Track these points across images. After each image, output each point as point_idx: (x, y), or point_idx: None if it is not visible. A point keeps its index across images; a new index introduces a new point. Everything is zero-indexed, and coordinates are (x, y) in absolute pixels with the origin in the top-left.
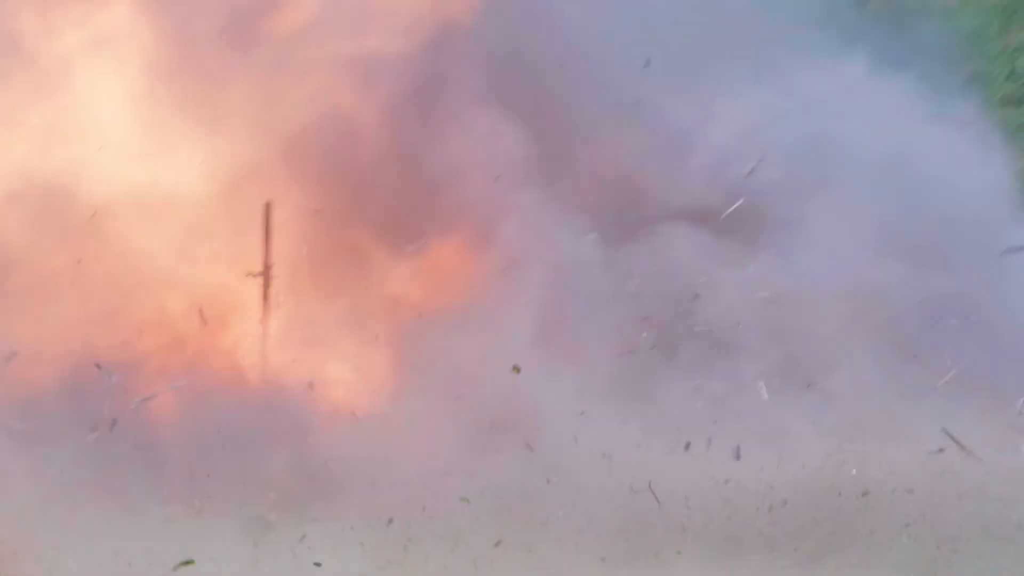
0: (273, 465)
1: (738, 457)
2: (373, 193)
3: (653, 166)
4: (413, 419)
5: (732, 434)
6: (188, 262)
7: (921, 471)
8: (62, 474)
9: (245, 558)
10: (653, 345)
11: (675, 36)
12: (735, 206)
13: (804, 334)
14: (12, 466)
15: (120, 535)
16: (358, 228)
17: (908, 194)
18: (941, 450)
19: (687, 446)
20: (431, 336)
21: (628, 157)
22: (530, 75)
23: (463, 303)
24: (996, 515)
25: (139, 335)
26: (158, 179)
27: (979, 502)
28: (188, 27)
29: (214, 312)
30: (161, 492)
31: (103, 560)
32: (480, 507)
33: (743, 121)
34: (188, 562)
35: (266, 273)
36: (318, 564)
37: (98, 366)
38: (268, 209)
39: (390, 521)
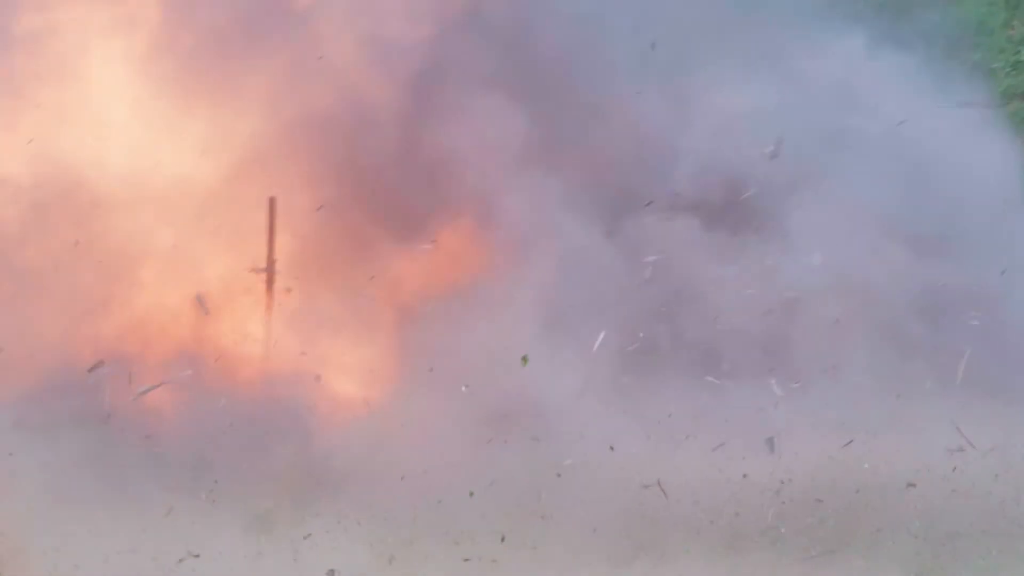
0: (278, 459)
1: (772, 450)
2: (378, 182)
3: (658, 154)
4: (419, 413)
5: (738, 431)
6: (193, 255)
7: (926, 469)
8: (65, 470)
9: (249, 552)
10: (661, 338)
11: (678, 22)
12: (748, 194)
13: (810, 330)
14: (16, 463)
15: (124, 530)
16: (363, 219)
17: (912, 185)
18: (960, 449)
19: (687, 438)
20: (437, 328)
21: (633, 145)
22: (535, 61)
23: (469, 294)
24: (999, 513)
25: (143, 327)
26: (161, 168)
27: (983, 500)
28: (196, 16)
29: (220, 304)
30: (165, 487)
31: (107, 556)
32: (486, 501)
33: (745, 110)
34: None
35: (270, 268)
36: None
37: (101, 362)
38: (272, 204)
39: (395, 516)
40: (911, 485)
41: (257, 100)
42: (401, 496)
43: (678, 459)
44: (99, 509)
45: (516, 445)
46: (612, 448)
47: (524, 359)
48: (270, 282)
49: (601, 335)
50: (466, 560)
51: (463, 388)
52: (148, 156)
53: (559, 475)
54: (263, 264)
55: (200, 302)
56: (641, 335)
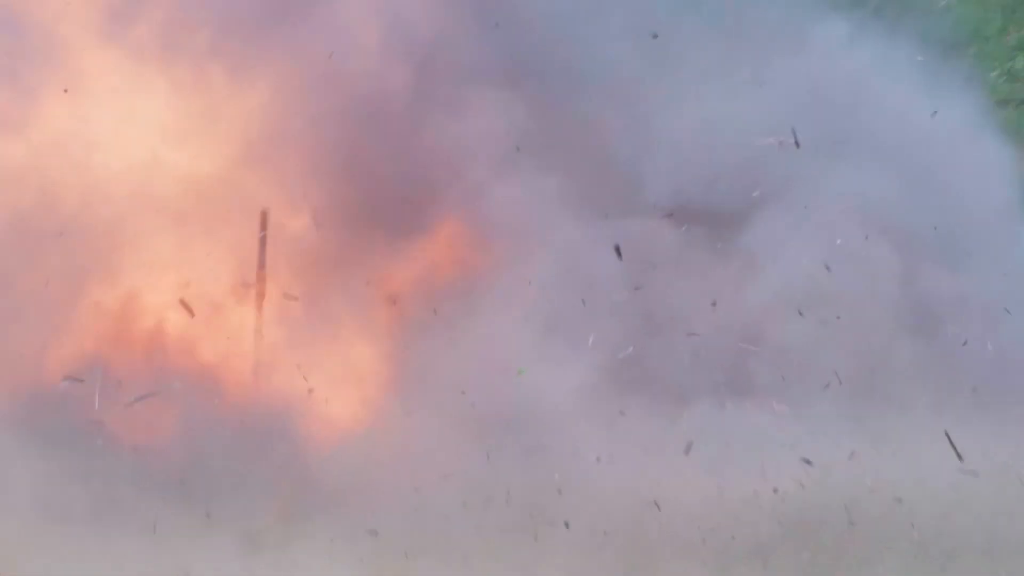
0: (270, 476)
1: (809, 463)
2: (374, 185)
3: (656, 157)
4: (412, 428)
5: (736, 444)
6: (185, 263)
7: (923, 486)
8: (52, 486)
9: (240, 571)
10: (657, 352)
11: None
12: (755, 194)
13: (806, 345)
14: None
15: (113, 549)
16: (358, 224)
17: (906, 193)
18: (960, 466)
19: (687, 449)
20: (431, 340)
21: (630, 147)
22: (534, 60)
23: (464, 302)
24: (997, 530)
25: (133, 339)
26: (154, 173)
27: (980, 517)
28: (196, 15)
29: (211, 316)
30: (155, 504)
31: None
32: (480, 518)
33: (740, 113)
34: None
35: (261, 282)
36: None
37: (75, 377)
38: (264, 217)
39: (388, 533)
40: (898, 500)
41: (256, 99)
42: (395, 513)
43: (673, 477)
44: (87, 528)
45: (511, 461)
46: (607, 463)
47: (520, 371)
48: (261, 295)
49: (591, 340)
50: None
51: (461, 392)
52: (141, 162)
53: (559, 491)
54: (257, 273)
55: (185, 306)
56: (631, 349)
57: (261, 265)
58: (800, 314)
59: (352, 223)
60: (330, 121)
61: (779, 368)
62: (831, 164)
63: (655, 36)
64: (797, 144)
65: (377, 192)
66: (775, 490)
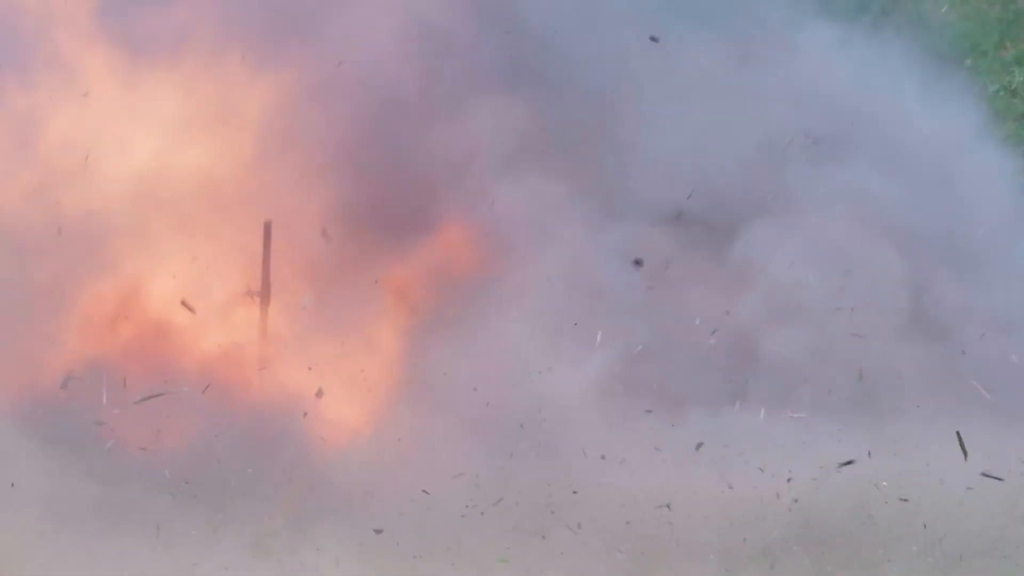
0: (277, 478)
1: (847, 462)
2: (383, 187)
3: (660, 160)
4: (421, 429)
5: (744, 447)
6: (189, 265)
7: (935, 491)
8: (57, 488)
9: (245, 571)
10: (667, 354)
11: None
12: (771, 196)
13: (819, 348)
14: (15, 478)
15: (118, 552)
16: (366, 225)
17: (916, 196)
18: (972, 470)
19: (698, 446)
20: (440, 342)
21: (635, 148)
22: (536, 59)
23: (474, 302)
24: (1006, 533)
25: (138, 341)
26: (158, 177)
27: (987, 519)
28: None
29: (218, 317)
30: (160, 507)
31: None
32: (491, 520)
33: (744, 117)
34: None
35: (265, 292)
36: None
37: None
38: (268, 229)
39: (397, 535)
40: (904, 500)
41: (265, 100)
42: (403, 515)
43: (683, 479)
44: (92, 529)
45: (521, 462)
46: (617, 464)
47: (532, 372)
48: (267, 295)
49: (599, 339)
50: None
51: (472, 391)
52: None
53: (575, 492)
54: (262, 275)
55: (186, 306)
56: (641, 347)
57: (266, 266)
58: (809, 317)
59: (360, 223)
60: (339, 124)
61: (789, 371)
62: (839, 170)
63: (655, 39)
64: (815, 143)
65: (386, 193)
66: (779, 495)
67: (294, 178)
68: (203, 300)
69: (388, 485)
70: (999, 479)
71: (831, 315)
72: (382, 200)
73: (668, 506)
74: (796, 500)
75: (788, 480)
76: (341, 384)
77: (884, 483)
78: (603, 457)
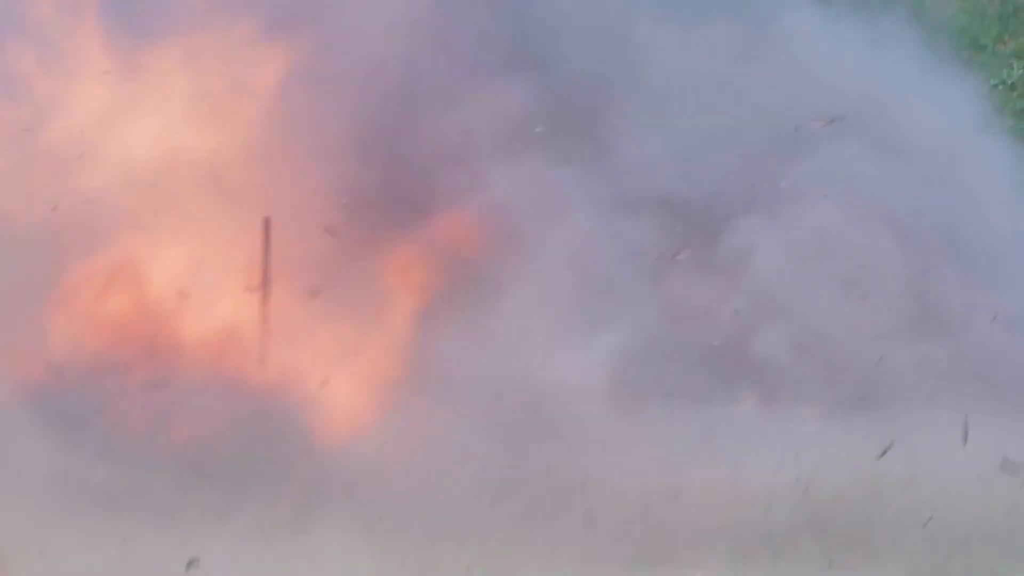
0: (283, 466)
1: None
2: (386, 174)
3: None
4: (428, 416)
5: (752, 437)
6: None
7: (937, 477)
8: (65, 475)
9: (253, 562)
10: (678, 342)
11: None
12: (783, 184)
13: (826, 340)
14: (18, 468)
15: (125, 535)
16: (370, 212)
17: (912, 193)
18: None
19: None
20: (447, 328)
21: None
22: (541, 40)
23: (478, 292)
24: (1009, 521)
25: (141, 329)
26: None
27: (992, 508)
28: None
29: (218, 304)
30: (165, 495)
31: (107, 564)
32: (497, 505)
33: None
34: (193, 561)
35: (264, 287)
36: None
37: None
38: (267, 224)
39: (404, 524)
40: (909, 489)
41: (264, 87)
42: (411, 502)
43: (691, 467)
44: (98, 515)
45: (529, 450)
46: (626, 452)
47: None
48: (264, 303)
49: (608, 325)
50: (476, 568)
51: (478, 380)
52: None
53: (584, 480)
54: (261, 268)
55: (182, 294)
56: (652, 335)
57: (266, 260)
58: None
59: (364, 211)
60: (339, 110)
61: (796, 362)
62: (845, 161)
63: (657, 23)
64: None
65: (390, 180)
66: (786, 484)
67: (296, 166)
68: (206, 290)
69: (396, 473)
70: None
71: (836, 309)
72: (386, 188)
73: (677, 494)
74: (805, 490)
75: (795, 470)
76: (347, 372)
77: (889, 473)
78: (604, 446)
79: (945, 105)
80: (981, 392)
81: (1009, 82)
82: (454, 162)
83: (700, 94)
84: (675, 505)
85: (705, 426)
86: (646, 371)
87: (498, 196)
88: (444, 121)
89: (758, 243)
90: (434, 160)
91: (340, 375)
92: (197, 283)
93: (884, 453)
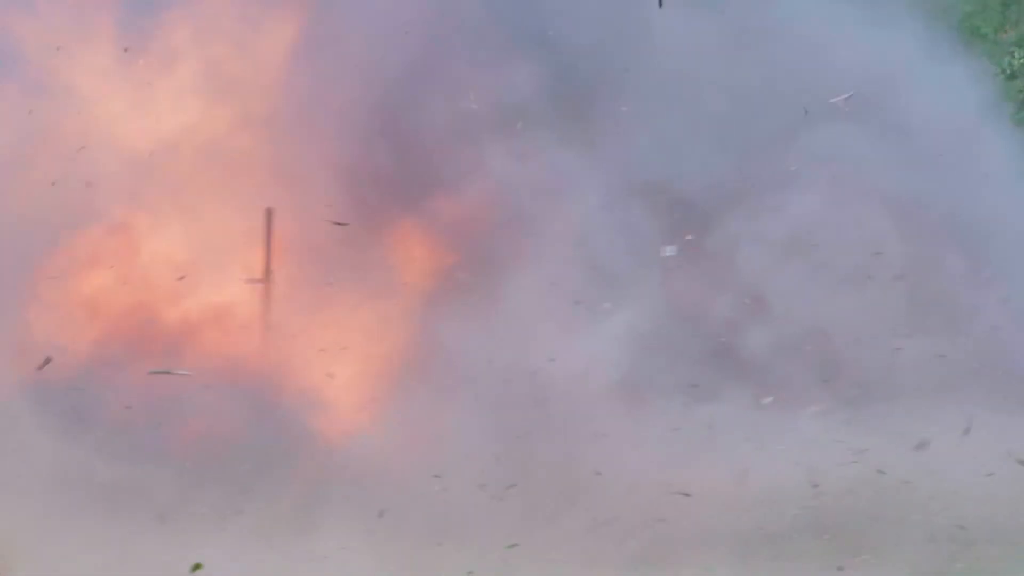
0: (287, 464)
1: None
2: (393, 159)
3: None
4: (432, 414)
5: (759, 436)
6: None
7: (939, 475)
8: (66, 475)
9: (256, 561)
10: (687, 340)
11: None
12: (792, 169)
13: (834, 338)
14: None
15: (125, 538)
16: (375, 202)
17: (916, 182)
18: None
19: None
20: (452, 323)
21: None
22: (550, 27)
23: (484, 288)
24: (1014, 519)
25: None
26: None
27: (998, 506)
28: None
29: (222, 301)
30: (170, 494)
31: (109, 565)
32: (501, 501)
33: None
34: (197, 566)
35: (267, 279)
36: None
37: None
38: (269, 215)
39: (407, 520)
40: (913, 487)
41: (266, 77)
42: (414, 499)
43: (696, 466)
44: (100, 513)
45: (534, 447)
46: (631, 449)
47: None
48: (267, 294)
49: (622, 328)
50: (478, 566)
51: (485, 369)
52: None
53: (598, 473)
54: (264, 265)
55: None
56: (661, 331)
57: (267, 265)
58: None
59: (369, 201)
60: (344, 92)
61: (801, 361)
62: (854, 147)
63: (660, 5)
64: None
65: (396, 166)
66: (793, 483)
67: (302, 150)
68: (207, 284)
69: (399, 469)
70: None
71: (842, 306)
72: (393, 172)
73: (685, 494)
74: (815, 487)
75: (802, 468)
76: (351, 365)
77: (894, 471)
78: (601, 436)
79: (947, 93)
80: (987, 388)
81: (1009, 71)
82: (458, 148)
83: (701, 81)
84: (680, 503)
85: (711, 423)
86: (655, 368)
87: (496, 181)
88: (446, 107)
89: (761, 240)
90: (435, 147)
91: (344, 370)
92: (199, 277)
93: (921, 446)
